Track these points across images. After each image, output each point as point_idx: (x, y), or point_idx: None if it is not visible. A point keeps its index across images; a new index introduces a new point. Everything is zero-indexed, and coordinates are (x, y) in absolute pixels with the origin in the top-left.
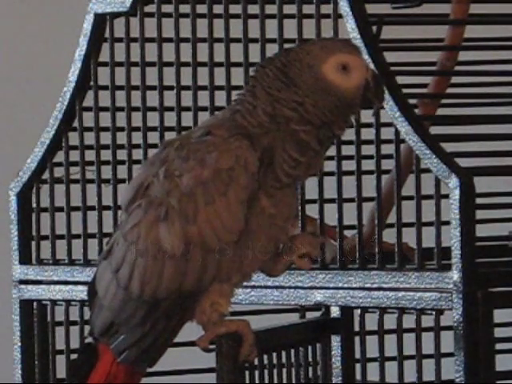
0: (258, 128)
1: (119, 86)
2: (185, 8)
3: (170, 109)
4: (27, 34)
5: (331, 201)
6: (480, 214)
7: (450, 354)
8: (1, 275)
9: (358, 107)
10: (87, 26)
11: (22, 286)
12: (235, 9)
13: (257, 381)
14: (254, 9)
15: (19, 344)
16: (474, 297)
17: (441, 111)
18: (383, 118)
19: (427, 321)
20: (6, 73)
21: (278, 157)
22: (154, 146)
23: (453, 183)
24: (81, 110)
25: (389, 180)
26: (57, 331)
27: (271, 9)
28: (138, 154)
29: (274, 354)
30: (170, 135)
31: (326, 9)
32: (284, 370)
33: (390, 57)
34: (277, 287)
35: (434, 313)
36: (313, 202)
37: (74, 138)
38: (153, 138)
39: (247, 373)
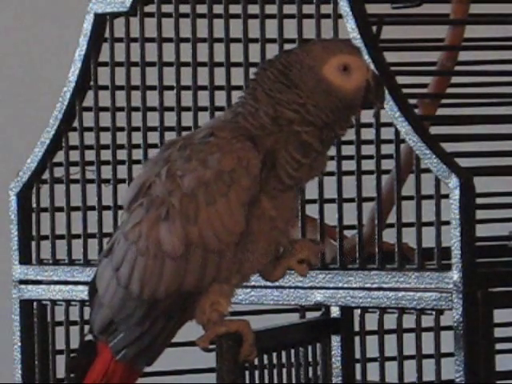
0: (261, 130)
1: (119, 85)
2: (185, 8)
3: (170, 109)
4: (27, 34)
5: (331, 201)
6: (480, 214)
7: (450, 354)
8: (1, 275)
9: (358, 108)
10: (87, 26)
11: (22, 286)
12: (235, 9)
13: (257, 381)
14: (254, 9)
15: (19, 344)
16: (474, 297)
17: (441, 111)
18: (383, 117)
19: (427, 321)
20: (6, 73)
21: (280, 159)
22: (154, 145)
23: (453, 183)
24: (81, 110)
25: (389, 180)
26: (57, 331)
27: (271, 9)
28: (138, 154)
29: (274, 354)
30: (169, 135)
31: (326, 9)
32: (284, 370)
33: (390, 57)
34: (277, 287)
35: (433, 313)
36: (313, 201)
37: (74, 138)
38: (153, 138)
39: (247, 373)
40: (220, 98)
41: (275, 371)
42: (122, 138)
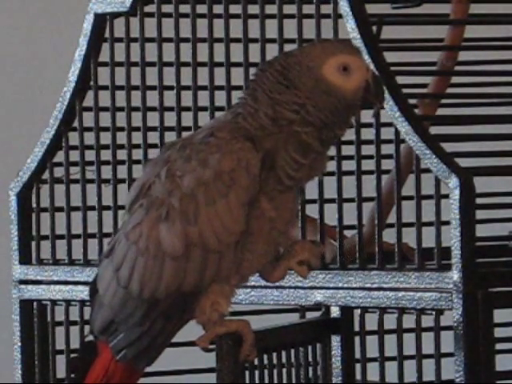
0: (260, 130)
1: (119, 85)
2: (185, 8)
3: (170, 109)
4: (27, 34)
5: (331, 201)
6: (480, 214)
7: (450, 354)
8: (1, 275)
9: (358, 108)
10: (87, 25)
11: (22, 286)
12: (235, 9)
13: (257, 381)
14: (254, 9)
15: (19, 344)
16: (474, 297)
17: (441, 111)
18: (383, 118)
19: (427, 321)
20: (6, 73)
21: (280, 159)
22: (154, 145)
23: (453, 183)
24: (81, 110)
25: (389, 180)
26: (57, 331)
27: (271, 9)
28: (138, 154)
29: (274, 354)
30: (169, 135)
31: (326, 9)
32: (284, 370)
33: (390, 57)
34: (277, 287)
35: (433, 313)
36: (313, 201)
37: (74, 138)
38: (153, 138)
39: (247, 373)
40: (220, 97)
41: (275, 371)
42: (122, 138)
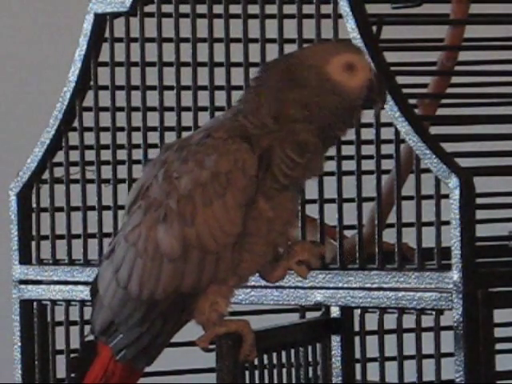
0: (260, 129)
1: (119, 85)
2: (185, 8)
3: (170, 109)
4: (27, 34)
5: (331, 201)
6: (480, 214)
7: (450, 354)
8: (1, 275)
9: (359, 108)
10: (87, 26)
11: (22, 286)
12: (235, 9)
13: (257, 381)
14: (254, 9)
15: (19, 344)
16: (474, 297)
17: (441, 111)
18: (383, 117)
19: (427, 321)
20: (6, 73)
21: (275, 157)
22: (154, 145)
23: (453, 183)
24: (81, 110)
25: (389, 180)
26: (57, 331)
27: (271, 9)
28: (137, 154)
29: (274, 354)
30: (169, 135)
31: (326, 9)
32: (284, 370)
33: (390, 57)
34: (277, 287)
35: (433, 313)
36: (313, 201)
37: (74, 138)
38: (153, 138)
39: (247, 373)
40: (220, 97)
41: (275, 371)
42: (122, 138)
